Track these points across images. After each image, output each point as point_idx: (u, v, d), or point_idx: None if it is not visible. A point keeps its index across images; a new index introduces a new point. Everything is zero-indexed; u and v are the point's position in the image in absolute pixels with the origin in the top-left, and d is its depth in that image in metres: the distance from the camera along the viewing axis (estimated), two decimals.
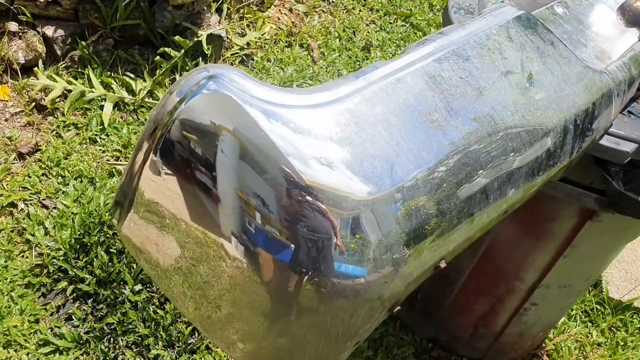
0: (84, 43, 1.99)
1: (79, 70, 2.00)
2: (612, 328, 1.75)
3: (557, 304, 1.43)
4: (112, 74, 2.03)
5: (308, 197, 0.60)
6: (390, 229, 0.66)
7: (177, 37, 2.05)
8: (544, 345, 1.65)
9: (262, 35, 2.50)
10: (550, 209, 1.19)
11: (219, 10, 2.41)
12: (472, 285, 1.40)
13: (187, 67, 2.12)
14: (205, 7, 2.28)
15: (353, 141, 0.64)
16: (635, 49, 1.00)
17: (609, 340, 1.71)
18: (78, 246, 1.48)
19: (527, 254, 1.29)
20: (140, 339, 1.40)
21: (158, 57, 2.03)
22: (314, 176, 0.61)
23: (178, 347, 1.41)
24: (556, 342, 1.66)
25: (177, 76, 2.10)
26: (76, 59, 2.01)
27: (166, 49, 2.04)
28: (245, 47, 2.40)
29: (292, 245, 0.61)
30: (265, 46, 2.45)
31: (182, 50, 2.08)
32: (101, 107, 1.90)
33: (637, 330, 1.75)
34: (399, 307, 0.73)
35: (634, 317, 1.77)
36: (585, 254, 1.27)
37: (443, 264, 0.73)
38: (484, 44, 0.80)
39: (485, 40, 0.80)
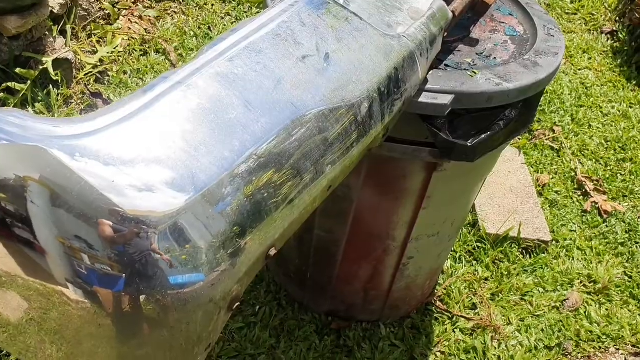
0: None
1: None
2: (496, 261, 1.87)
3: (432, 252, 1.51)
4: None
5: (122, 224, 0.61)
6: (218, 228, 0.68)
7: (19, 70, 1.96)
8: (435, 292, 1.74)
9: (114, 49, 2.44)
10: (398, 168, 1.25)
11: (63, 32, 2.32)
12: (352, 253, 1.46)
13: (39, 98, 2.05)
14: (46, 32, 2.19)
15: (148, 158, 0.65)
16: (434, 7, 1.06)
17: (494, 273, 1.83)
18: None
19: (391, 214, 1.36)
20: None
21: (2, 94, 1.94)
22: (124, 202, 0.62)
23: None
24: (446, 286, 1.76)
25: (30, 109, 2.02)
26: None
27: (10, 83, 1.95)
28: (99, 64, 2.34)
29: (123, 275, 0.62)
30: (119, 59, 2.39)
31: (29, 82, 2.00)
32: None
33: (517, 258, 1.88)
34: (238, 303, 0.75)
35: (512, 246, 1.90)
36: (441, 201, 1.35)
37: (273, 251, 0.76)
38: (276, 33, 0.82)
39: (277, 29, 0.83)
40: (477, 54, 1.22)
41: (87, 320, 0.68)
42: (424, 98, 1.07)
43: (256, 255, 0.73)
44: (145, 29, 2.62)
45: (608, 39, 3.14)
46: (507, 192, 2.04)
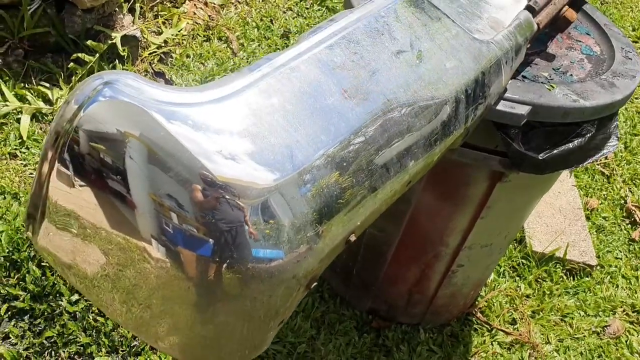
0: None
1: None
2: (539, 279, 1.86)
3: (482, 263, 1.51)
4: (26, 85, 1.98)
5: (217, 191, 0.64)
6: (301, 210, 0.70)
7: (89, 42, 2.02)
8: (477, 303, 1.74)
9: (179, 31, 2.48)
10: (463, 175, 1.26)
11: (131, 11, 2.38)
12: (402, 255, 1.47)
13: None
14: (116, 9, 2.25)
15: (252, 132, 0.68)
16: (520, 18, 1.07)
17: (536, 291, 1.82)
18: (8, 264, 1.46)
19: (447, 220, 1.36)
20: (82, 348, 1.40)
21: (72, 64, 1.99)
22: (220, 170, 0.64)
23: (122, 351, 1.42)
24: (488, 298, 1.76)
25: None
26: None
27: (80, 54, 2.01)
28: (163, 45, 2.39)
29: (211, 240, 0.65)
30: (183, 42, 2.44)
31: (97, 55, 2.06)
32: (18, 121, 1.86)
33: (561, 279, 1.87)
34: (315, 283, 0.77)
35: (557, 266, 1.88)
36: (500, 213, 1.35)
37: (353, 238, 0.78)
38: (373, 27, 0.84)
39: (374, 23, 0.85)
40: (553, 69, 1.22)
41: (163, 282, 0.70)
42: (502, 106, 1.07)
43: (338, 239, 0.75)
44: (210, 16, 2.66)
45: None
46: (555, 212, 2.02)
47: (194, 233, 0.64)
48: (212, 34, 2.53)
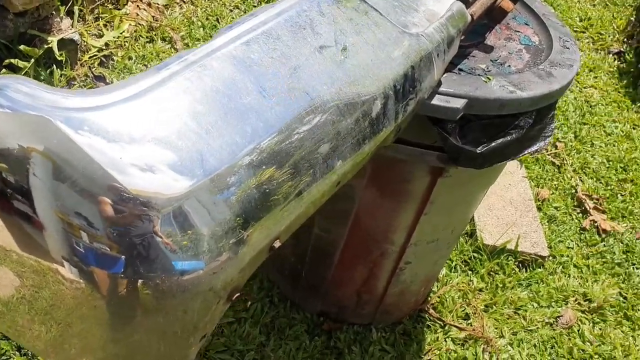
0: None
1: None
2: (491, 273, 1.85)
3: (430, 259, 1.49)
4: None
5: (124, 204, 0.59)
6: (221, 216, 0.65)
7: (23, 47, 1.93)
8: (429, 299, 1.72)
9: (120, 33, 2.41)
10: (404, 171, 1.23)
11: (70, 13, 2.30)
12: (349, 255, 1.44)
13: (42, 77, 2.02)
14: (53, 12, 2.16)
15: (159, 136, 0.63)
16: (453, 9, 1.04)
17: (488, 284, 1.82)
18: None
19: (391, 217, 1.34)
20: None
21: (4, 70, 1.91)
22: (126, 181, 0.60)
23: None
24: (440, 294, 1.74)
25: None
26: None
27: (13, 60, 1.92)
28: (104, 47, 2.31)
29: (122, 256, 0.60)
30: (125, 44, 2.37)
31: (32, 60, 1.97)
32: None
33: (513, 271, 1.87)
34: (238, 294, 0.73)
35: (509, 259, 1.88)
36: (444, 208, 1.33)
37: (278, 244, 0.74)
38: (295, 21, 0.80)
39: (296, 17, 0.81)
40: (491, 60, 1.20)
41: (80, 302, 0.66)
42: (437, 100, 1.05)
43: (260, 246, 0.71)
44: (153, 17, 2.59)
45: (615, 59, 3.14)
46: (506, 204, 2.02)
47: (106, 251, 0.60)
48: (155, 35, 2.46)
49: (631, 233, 2.11)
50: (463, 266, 1.85)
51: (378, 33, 0.89)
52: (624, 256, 2.01)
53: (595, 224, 2.10)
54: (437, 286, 1.77)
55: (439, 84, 1.07)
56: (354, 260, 1.46)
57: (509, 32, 1.31)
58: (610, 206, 2.20)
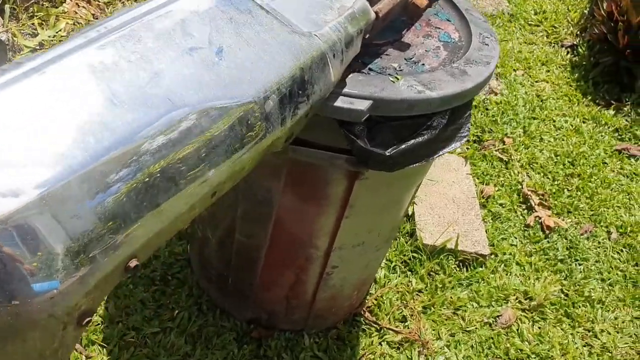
0: None
1: None
2: (431, 273, 1.82)
3: (358, 263, 1.45)
4: None
5: None
6: (56, 239, 0.60)
7: None
8: (365, 302, 1.69)
9: (56, 32, 2.33)
10: (320, 175, 1.19)
11: (1, 12, 2.21)
12: (273, 260, 1.39)
13: None
14: None
15: None
16: (355, 7, 1.00)
17: (428, 285, 1.78)
18: None
19: (313, 221, 1.29)
20: None
21: None
22: None
23: None
24: (377, 296, 1.71)
25: None
26: None
27: None
28: (38, 47, 2.23)
29: None
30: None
31: None
32: None
33: (454, 271, 1.84)
34: (90, 319, 0.67)
35: (449, 258, 1.85)
36: (365, 211, 1.29)
37: (134, 263, 0.69)
38: (162, 22, 0.75)
39: (164, 17, 0.76)
40: (405, 59, 1.16)
41: None
42: (340, 102, 1.00)
43: (110, 267, 0.66)
44: (93, 14, 2.52)
45: (568, 52, 3.13)
46: (448, 202, 1.99)
47: None
48: None
49: (575, 229, 2.09)
50: (402, 267, 1.82)
51: (263, 33, 0.84)
52: (567, 252, 1.99)
53: (540, 221, 2.07)
54: (375, 288, 1.74)
55: (343, 84, 1.03)
56: (279, 265, 1.41)
57: (429, 29, 1.27)
58: (556, 202, 2.18)
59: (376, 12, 1.03)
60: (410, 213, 1.93)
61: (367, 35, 1.04)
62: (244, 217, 1.34)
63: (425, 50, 1.20)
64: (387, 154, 1.06)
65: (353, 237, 1.35)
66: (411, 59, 1.17)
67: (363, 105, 1.01)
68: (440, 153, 1.15)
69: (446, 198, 2.00)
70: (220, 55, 0.78)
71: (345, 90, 1.02)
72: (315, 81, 0.90)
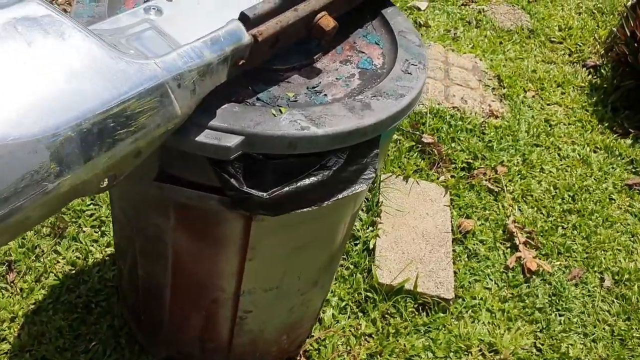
0: None
1: None
2: (386, 316, 1.66)
3: (278, 307, 1.31)
4: None
5: None
6: None
7: None
8: (306, 344, 1.54)
9: None
10: (210, 213, 1.06)
11: None
12: (179, 299, 1.27)
13: None
14: None
15: None
16: (221, 30, 0.86)
17: (380, 329, 1.62)
18: None
19: (212, 263, 1.16)
20: None
21: None
22: None
23: None
24: (319, 339, 1.56)
25: None
26: None
27: None
28: None
29: None
30: None
31: None
32: None
33: (412, 315, 1.67)
34: None
35: (407, 300, 1.68)
36: (272, 254, 1.15)
37: None
38: None
39: None
40: (308, 87, 1.02)
41: None
42: (204, 137, 0.88)
43: None
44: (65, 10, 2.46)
45: (589, 73, 2.88)
46: (417, 236, 1.82)
47: None
48: None
49: (563, 273, 1.88)
50: (354, 307, 1.66)
51: (73, 60, 0.72)
52: (548, 300, 1.79)
53: (522, 262, 1.88)
54: (319, 329, 1.59)
55: (212, 116, 0.90)
56: (185, 306, 1.29)
57: (350, 53, 1.12)
58: (545, 241, 1.98)
59: (254, 36, 0.90)
60: (371, 247, 1.77)
61: (243, 62, 0.90)
62: (142, 252, 1.22)
63: (336, 79, 1.05)
64: (266, 196, 0.92)
65: (263, 280, 1.21)
66: (314, 87, 1.02)
67: (231, 141, 0.88)
68: (338, 196, 1.00)
69: (415, 232, 1.83)
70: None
71: (213, 123, 0.89)
72: (146, 115, 0.77)
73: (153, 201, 1.08)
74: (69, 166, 0.70)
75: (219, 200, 0.96)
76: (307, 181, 0.95)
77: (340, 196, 0.99)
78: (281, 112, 0.93)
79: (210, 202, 0.97)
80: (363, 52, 1.12)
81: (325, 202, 0.99)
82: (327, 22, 1.01)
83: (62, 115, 0.69)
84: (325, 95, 1.01)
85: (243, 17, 0.89)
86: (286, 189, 0.94)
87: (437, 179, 2.08)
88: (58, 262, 1.62)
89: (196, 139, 0.87)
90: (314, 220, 1.14)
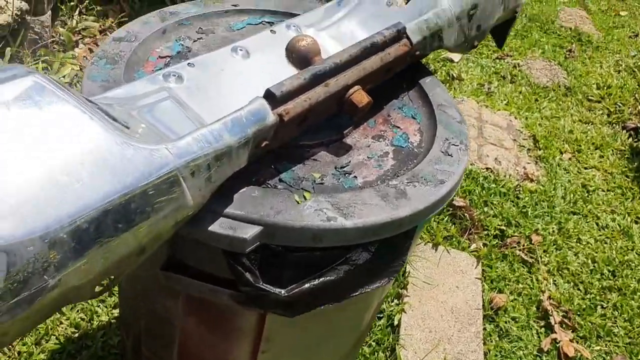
0: None
1: None
2: None
3: None
4: None
5: None
6: None
7: None
8: None
9: (60, 78, 2.24)
10: (219, 302, 0.95)
11: (3, 55, 2.14)
12: None
13: None
14: None
15: None
16: (245, 108, 0.78)
17: None
18: None
19: (223, 352, 1.06)
20: None
21: None
22: None
23: None
24: None
25: None
26: None
27: None
28: None
29: None
30: None
31: None
32: None
33: None
34: None
35: None
36: (289, 346, 1.04)
37: None
38: None
39: None
40: (336, 167, 0.92)
41: None
42: (218, 227, 0.78)
43: None
44: None
45: (630, 135, 2.75)
46: (446, 313, 1.69)
47: None
48: None
49: None
50: None
51: (71, 148, 0.63)
52: None
53: (558, 345, 1.73)
54: None
55: (229, 201, 0.80)
56: None
57: (384, 128, 1.02)
58: (583, 321, 1.83)
59: (280, 115, 0.80)
60: (396, 322, 1.64)
61: (266, 143, 0.81)
62: (148, 330, 1.12)
63: (367, 157, 0.95)
64: (284, 294, 0.82)
65: None
66: (343, 168, 0.92)
67: (248, 232, 0.78)
68: (361, 292, 0.89)
69: (444, 307, 1.70)
70: None
71: (228, 210, 0.79)
72: (153, 207, 0.67)
73: (163, 282, 0.98)
74: (58, 270, 0.60)
75: (231, 296, 0.85)
76: (330, 277, 0.84)
77: (365, 290, 0.88)
78: (305, 198, 0.83)
79: (222, 297, 0.86)
80: (398, 127, 1.03)
81: (349, 298, 0.88)
82: (361, 97, 0.92)
83: (53, 213, 0.59)
84: (355, 177, 0.91)
85: (269, 95, 0.80)
86: (306, 285, 0.83)
87: (469, 247, 1.95)
88: (61, 323, 1.52)
89: (209, 228, 0.77)
90: (337, 312, 1.03)
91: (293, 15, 1.20)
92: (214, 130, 0.73)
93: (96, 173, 0.63)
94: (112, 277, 0.68)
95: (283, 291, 0.82)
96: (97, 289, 0.67)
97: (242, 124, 0.76)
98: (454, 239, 1.97)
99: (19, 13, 2.14)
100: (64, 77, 2.25)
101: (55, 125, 0.63)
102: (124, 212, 0.64)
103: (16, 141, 0.60)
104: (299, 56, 0.96)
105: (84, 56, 2.39)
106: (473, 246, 1.96)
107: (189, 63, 0.91)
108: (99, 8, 2.56)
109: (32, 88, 0.64)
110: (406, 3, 1.17)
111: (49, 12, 2.34)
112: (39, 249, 0.58)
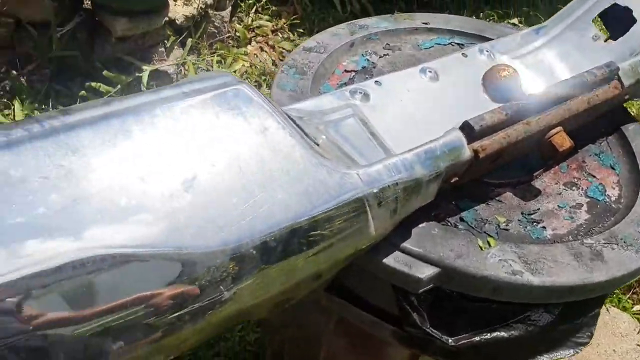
0: (14, 72, 1.90)
1: (8, 101, 1.91)
2: None
3: None
4: (43, 106, 1.92)
5: None
6: None
7: (105, 73, 1.91)
8: None
9: (232, 72, 2.33)
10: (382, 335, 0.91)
11: (184, 45, 2.27)
12: None
13: None
14: (164, 41, 2.14)
15: None
16: (438, 141, 0.73)
17: None
18: None
19: None
20: None
21: (83, 92, 1.90)
22: None
23: None
24: None
25: None
26: (8, 88, 1.93)
27: (94, 84, 1.91)
28: None
29: None
30: None
31: (118, 86, 1.95)
32: None
33: None
34: None
35: None
36: None
37: None
38: (104, 125, 0.57)
39: (112, 118, 0.57)
40: (523, 212, 0.84)
41: None
42: (393, 261, 0.74)
43: None
44: (273, 61, 2.49)
45: None
46: None
47: None
48: (265, 81, 2.34)
49: None
50: None
51: (270, 162, 0.62)
52: None
53: None
54: None
55: (407, 235, 0.75)
56: None
57: (577, 175, 0.93)
58: None
59: (475, 151, 0.75)
60: None
61: (456, 179, 0.75)
62: (292, 341, 1.11)
63: (558, 206, 0.86)
64: (451, 342, 0.76)
65: None
66: (531, 215, 0.84)
67: (424, 272, 0.73)
68: (538, 358, 0.80)
69: None
70: (191, 186, 0.57)
71: (406, 245, 0.75)
72: (337, 233, 0.64)
73: (323, 303, 0.96)
74: (228, 285, 0.59)
75: (393, 333, 0.81)
76: (503, 333, 0.77)
77: (542, 358, 0.80)
78: (490, 245, 0.76)
79: (383, 332, 0.82)
80: (594, 176, 0.92)
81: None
82: (562, 140, 0.83)
83: (246, 227, 0.58)
84: (544, 227, 0.82)
85: (466, 127, 0.75)
86: (476, 338, 0.77)
87: (631, 307, 1.76)
88: None
89: (384, 260, 0.73)
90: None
91: (484, 38, 1.13)
92: (405, 160, 0.69)
93: (290, 191, 0.61)
94: (287, 299, 0.66)
95: (451, 340, 0.76)
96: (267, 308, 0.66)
97: (436, 157, 0.71)
98: (614, 296, 1.78)
99: (203, 6, 2.25)
100: (235, 72, 2.34)
101: (258, 139, 0.62)
102: (309, 234, 0.62)
103: (223, 150, 0.60)
104: (496, 87, 0.89)
105: (255, 54, 2.47)
106: (636, 307, 1.77)
107: (375, 81, 0.88)
108: (274, 8, 2.64)
109: (240, 98, 0.63)
110: (609, 39, 1.06)
111: (229, 8, 2.44)
112: (222, 260, 0.57)
